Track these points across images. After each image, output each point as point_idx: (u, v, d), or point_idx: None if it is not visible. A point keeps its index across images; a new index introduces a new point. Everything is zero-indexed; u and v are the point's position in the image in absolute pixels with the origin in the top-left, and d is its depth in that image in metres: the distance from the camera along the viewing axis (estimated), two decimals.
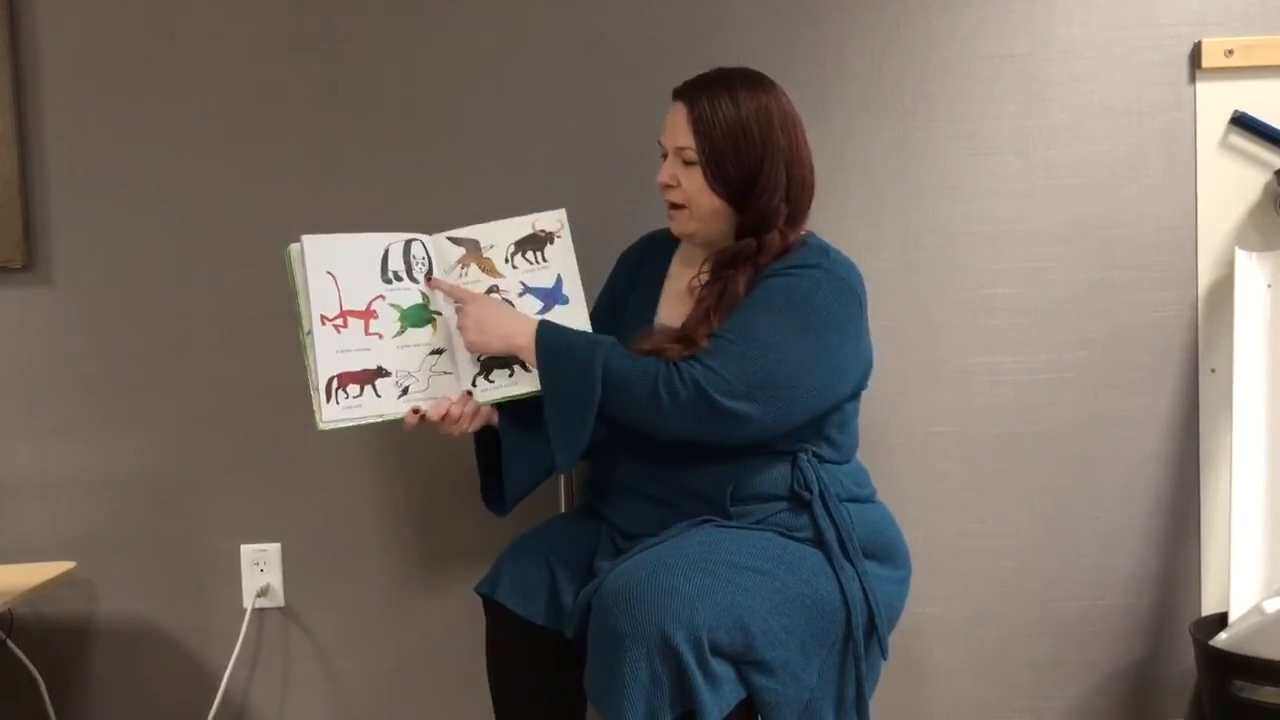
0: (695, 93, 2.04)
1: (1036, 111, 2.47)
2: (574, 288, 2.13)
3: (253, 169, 2.46)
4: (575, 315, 2.12)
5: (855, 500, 2.06)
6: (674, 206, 2.08)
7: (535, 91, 2.46)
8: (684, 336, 1.98)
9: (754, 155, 2.01)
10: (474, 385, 2.08)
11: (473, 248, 2.12)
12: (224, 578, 2.50)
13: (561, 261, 2.14)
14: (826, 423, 2.04)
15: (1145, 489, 2.51)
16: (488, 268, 2.12)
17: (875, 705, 2.01)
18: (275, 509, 2.50)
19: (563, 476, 2.44)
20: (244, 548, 2.50)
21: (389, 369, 2.04)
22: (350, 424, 2.01)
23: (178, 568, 2.50)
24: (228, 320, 2.47)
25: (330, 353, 2.00)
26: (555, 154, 2.46)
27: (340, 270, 2.03)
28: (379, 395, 2.03)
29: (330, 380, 2.00)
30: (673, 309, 2.14)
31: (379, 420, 2.03)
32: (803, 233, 2.10)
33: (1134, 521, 2.51)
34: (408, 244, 2.09)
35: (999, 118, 2.47)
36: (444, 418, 2.03)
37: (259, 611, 2.50)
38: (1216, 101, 2.46)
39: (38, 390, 2.47)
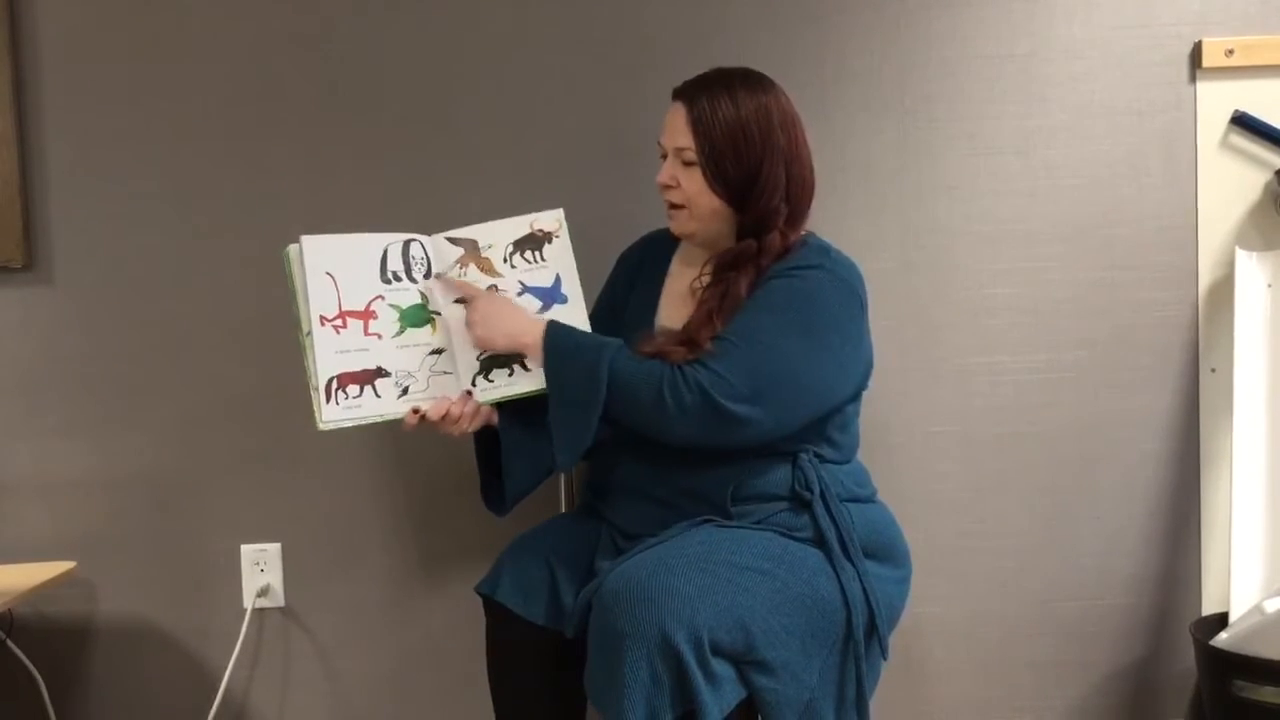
0: (695, 93, 2.04)
1: (1037, 111, 2.47)
2: (572, 287, 2.13)
3: (253, 169, 2.46)
4: (574, 314, 2.12)
5: (856, 500, 2.06)
6: (673, 206, 2.08)
7: (535, 91, 2.46)
8: (688, 339, 1.98)
9: (753, 155, 2.01)
10: (473, 385, 2.08)
11: (471, 248, 2.12)
12: (224, 578, 2.50)
13: (560, 261, 2.14)
14: (828, 423, 2.04)
15: (1145, 489, 2.51)
16: (486, 267, 2.12)
17: (875, 705, 2.01)
18: (275, 509, 2.50)
19: (563, 476, 2.44)
20: (244, 548, 2.50)
21: (388, 369, 2.04)
22: (350, 424, 2.01)
23: (178, 568, 2.50)
24: (228, 320, 2.47)
25: (330, 353, 2.00)
26: (555, 154, 2.46)
27: (339, 271, 2.03)
28: (379, 395, 2.03)
29: (330, 381, 2.00)
30: (673, 309, 2.14)
31: (379, 420, 2.03)
32: (803, 233, 2.10)
33: (1134, 521, 2.51)
34: (406, 244, 2.09)
35: (999, 118, 2.47)
36: (444, 417, 2.03)
37: (259, 611, 2.50)
38: (1217, 101, 2.46)
39: (38, 390, 2.47)
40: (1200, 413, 2.49)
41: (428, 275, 2.09)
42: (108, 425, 2.48)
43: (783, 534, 1.99)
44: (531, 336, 2.02)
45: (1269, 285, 2.45)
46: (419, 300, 2.08)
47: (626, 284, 2.24)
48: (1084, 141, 2.47)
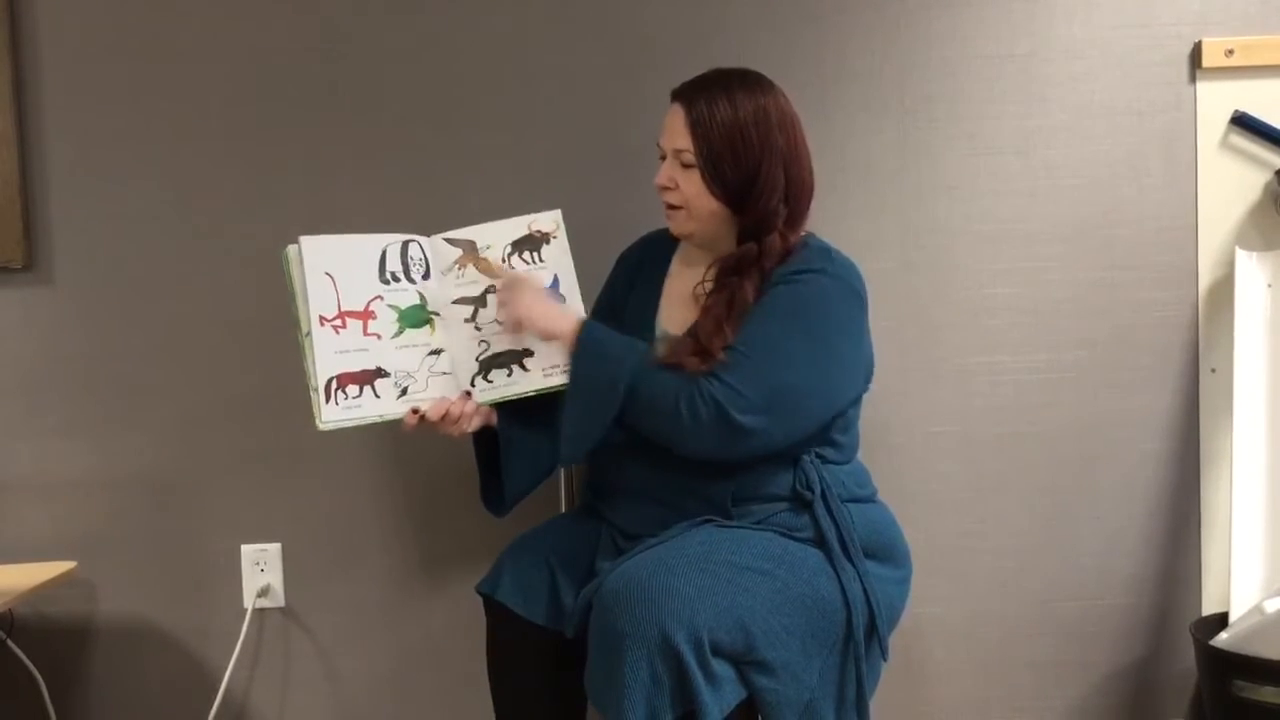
0: (693, 94, 2.03)
1: (1037, 111, 2.47)
2: (570, 287, 2.13)
3: (253, 169, 2.46)
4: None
5: (856, 500, 2.06)
6: (672, 207, 2.08)
7: (535, 91, 2.46)
8: (701, 349, 1.97)
9: (752, 157, 2.01)
10: (472, 385, 2.08)
11: (469, 248, 2.13)
12: (224, 578, 2.50)
13: (558, 261, 2.14)
14: (830, 425, 2.04)
15: (1145, 489, 2.51)
16: (485, 268, 2.12)
17: (875, 705, 2.01)
18: (275, 509, 2.50)
19: (563, 476, 2.44)
20: (244, 548, 2.50)
21: (388, 369, 2.04)
22: (350, 424, 2.01)
23: (178, 568, 2.50)
24: (228, 320, 2.47)
25: (329, 353, 2.00)
26: (555, 154, 2.46)
27: (338, 271, 2.03)
28: (378, 396, 2.03)
29: (329, 381, 1.99)
30: (674, 311, 2.13)
31: (378, 420, 2.03)
32: (803, 233, 2.10)
33: (1134, 521, 2.51)
34: (405, 245, 2.10)
35: (999, 118, 2.47)
36: (443, 418, 2.03)
37: (259, 611, 2.50)
38: (1217, 101, 2.46)
39: (38, 390, 2.47)
40: (1200, 413, 2.49)
41: (426, 276, 2.09)
42: (108, 425, 2.48)
43: (783, 534, 1.99)
44: (565, 328, 2.01)
45: (1269, 285, 2.45)
46: (418, 301, 2.08)
47: (626, 284, 2.24)
48: (1084, 141, 2.47)
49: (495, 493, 2.15)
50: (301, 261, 2.01)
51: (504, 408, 2.09)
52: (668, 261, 2.20)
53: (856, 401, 2.10)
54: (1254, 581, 2.37)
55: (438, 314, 2.09)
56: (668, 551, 1.92)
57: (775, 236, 2.03)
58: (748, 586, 1.89)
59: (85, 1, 2.44)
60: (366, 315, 2.04)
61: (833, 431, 2.05)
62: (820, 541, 1.99)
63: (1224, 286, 2.47)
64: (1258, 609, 2.27)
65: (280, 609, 2.52)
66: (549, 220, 2.14)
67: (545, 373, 2.08)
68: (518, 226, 2.14)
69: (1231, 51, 2.44)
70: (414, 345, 2.07)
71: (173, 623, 2.51)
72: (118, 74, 2.45)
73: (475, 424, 2.07)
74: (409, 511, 2.51)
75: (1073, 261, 2.49)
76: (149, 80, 2.45)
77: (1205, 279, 2.49)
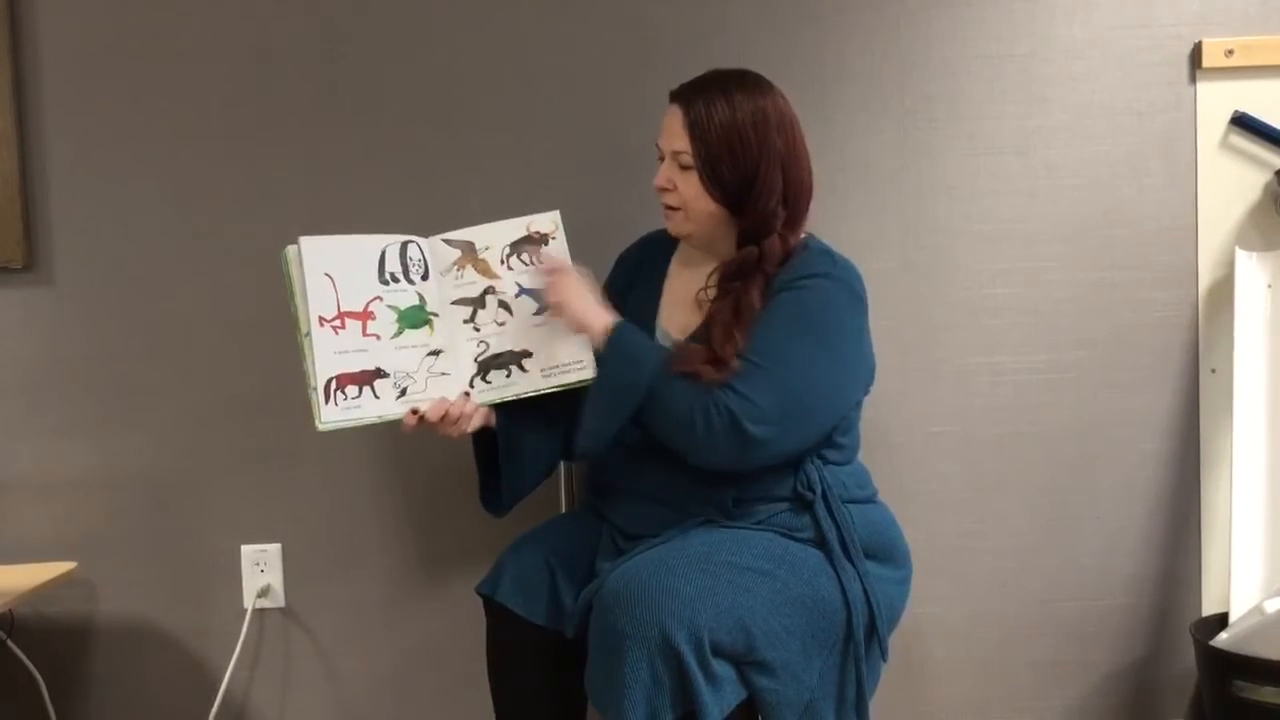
0: (691, 96, 2.03)
1: (1037, 111, 2.47)
2: None
3: (253, 169, 2.46)
4: None
5: (856, 501, 2.06)
6: (670, 208, 2.08)
7: (535, 91, 2.46)
8: (715, 357, 1.96)
9: (750, 159, 2.00)
10: (471, 386, 2.08)
11: (468, 249, 2.13)
12: (224, 578, 2.50)
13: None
14: (833, 428, 2.05)
15: (1145, 489, 2.51)
16: (483, 269, 2.12)
17: (876, 705, 2.01)
18: (275, 509, 2.50)
19: (563, 476, 2.44)
20: (244, 548, 2.50)
21: (387, 370, 2.04)
22: (349, 425, 2.01)
23: (178, 568, 2.50)
24: (228, 320, 2.47)
25: (328, 354, 2.00)
26: (555, 154, 2.46)
27: (337, 272, 2.03)
28: (377, 396, 2.03)
29: (329, 381, 1.99)
30: (674, 313, 2.13)
31: (378, 421, 2.03)
32: (803, 235, 2.10)
33: (1134, 521, 2.51)
34: (404, 246, 2.10)
35: (999, 118, 2.47)
36: (443, 418, 2.03)
37: (259, 612, 2.50)
38: (1216, 101, 2.46)
39: (38, 390, 2.47)
40: (1200, 413, 2.49)
41: (425, 277, 2.09)
42: (108, 425, 2.48)
43: (783, 534, 1.99)
44: (597, 324, 2.01)
45: (1269, 285, 2.45)
46: (417, 301, 2.08)
47: (625, 285, 2.24)
48: (1084, 142, 2.47)
49: (494, 493, 2.15)
50: (301, 262, 2.01)
51: (503, 408, 2.09)
52: (667, 262, 2.20)
53: (858, 403, 2.10)
54: (1254, 582, 2.37)
55: (437, 315, 2.09)
56: (668, 552, 1.92)
57: (775, 239, 2.02)
58: (748, 587, 1.89)
59: (85, 1, 2.44)
60: (366, 316, 2.04)
61: (834, 433, 2.05)
62: (820, 542, 1.99)
63: (1224, 287, 2.47)
64: (1258, 609, 2.27)
65: (280, 609, 2.52)
66: (547, 221, 2.14)
67: (544, 373, 2.09)
68: (516, 227, 2.14)
69: (1231, 52, 2.44)
70: (413, 346, 2.07)
71: (173, 623, 2.51)
72: (118, 74, 2.45)
73: (474, 424, 2.07)
74: (409, 511, 2.51)
75: (1073, 261, 2.49)
76: (149, 80, 2.45)
77: (1205, 279, 2.49)
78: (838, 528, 2.00)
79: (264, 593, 2.50)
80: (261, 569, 2.50)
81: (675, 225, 2.10)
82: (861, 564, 1.99)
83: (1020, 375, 2.50)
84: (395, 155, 2.47)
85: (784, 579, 1.92)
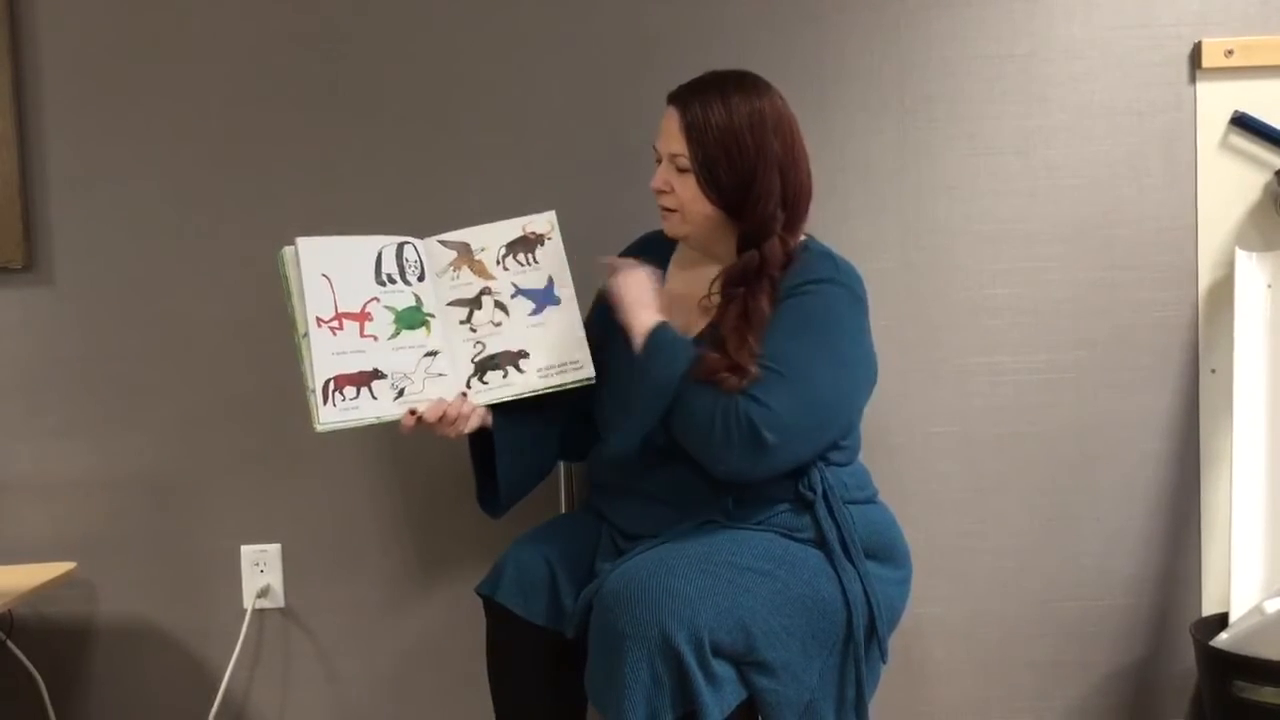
0: (688, 98, 2.02)
1: (1037, 111, 2.47)
2: (565, 289, 2.14)
3: (253, 169, 2.46)
4: (567, 316, 2.13)
5: (857, 502, 2.06)
6: (667, 210, 2.08)
7: (534, 92, 2.46)
8: (733, 365, 1.94)
9: (747, 162, 2.00)
10: (468, 387, 2.08)
11: (463, 250, 2.13)
12: (224, 578, 2.50)
13: (552, 263, 2.14)
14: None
15: (1145, 489, 2.51)
16: (479, 270, 2.13)
17: (876, 705, 2.01)
18: (275, 509, 2.50)
19: (562, 477, 2.44)
20: (244, 548, 2.50)
21: (384, 371, 2.04)
22: (347, 426, 2.01)
23: (178, 568, 2.50)
24: (228, 320, 2.47)
25: (326, 355, 2.00)
26: (553, 154, 2.46)
27: (334, 273, 2.03)
28: (375, 397, 2.03)
29: (327, 382, 1.99)
30: (674, 315, 2.12)
31: (376, 422, 2.03)
32: (802, 237, 2.10)
33: (1134, 521, 2.51)
34: (400, 247, 2.10)
35: (999, 118, 2.47)
36: (440, 419, 2.03)
37: (259, 612, 2.50)
38: (1216, 101, 2.46)
39: (38, 390, 2.47)
40: (1200, 413, 2.49)
41: (421, 278, 2.10)
42: (108, 425, 2.48)
43: (784, 535, 1.99)
44: (640, 323, 2.01)
45: (1269, 286, 2.45)
46: (413, 302, 2.08)
47: None
48: (1084, 142, 2.47)
49: (491, 494, 2.15)
50: (298, 262, 2.02)
51: (499, 409, 2.09)
52: (665, 263, 2.20)
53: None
54: (1254, 582, 2.37)
55: (433, 316, 2.09)
56: (668, 552, 1.92)
57: (775, 242, 2.02)
58: (748, 587, 1.89)
59: (85, 1, 2.44)
60: (363, 317, 2.04)
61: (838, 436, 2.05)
62: (821, 542, 1.99)
63: (1224, 287, 2.47)
64: (1258, 609, 2.27)
65: (280, 609, 2.52)
66: (543, 222, 2.15)
67: (541, 374, 2.09)
68: (512, 228, 2.14)
69: (1231, 52, 2.44)
70: (410, 347, 2.07)
71: (173, 623, 2.51)
72: (118, 74, 2.45)
73: (472, 425, 2.07)
74: (409, 512, 2.51)
75: (1073, 262, 2.49)
76: (149, 80, 2.45)
77: (1205, 279, 2.49)
78: (838, 528, 2.00)
79: (264, 593, 2.50)
80: (261, 569, 2.50)
81: (672, 227, 2.10)
82: (862, 564, 1.99)
83: (1020, 375, 2.50)
84: (395, 155, 2.47)
85: (784, 579, 1.92)
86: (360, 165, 2.46)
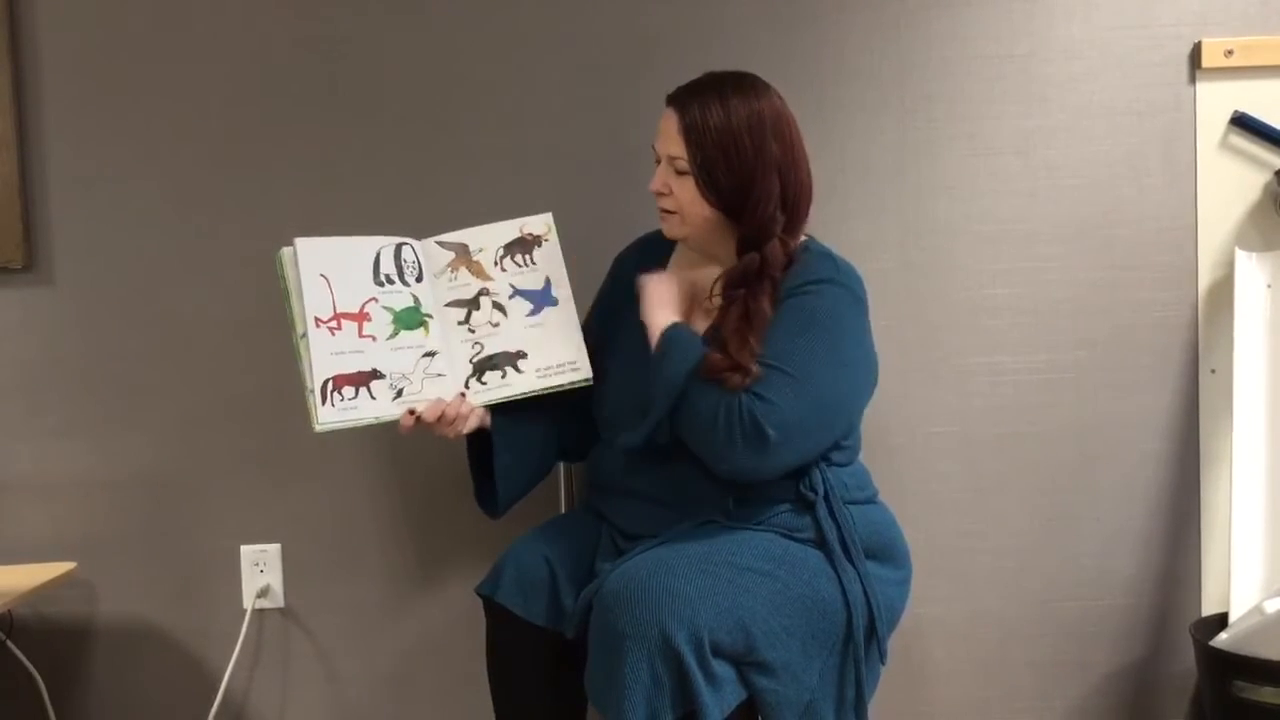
0: (686, 100, 2.02)
1: (1036, 112, 2.47)
2: (563, 290, 2.14)
3: (253, 169, 2.46)
4: (564, 316, 2.13)
5: (857, 503, 2.06)
6: (666, 211, 2.08)
7: (534, 92, 2.46)
8: (735, 365, 1.95)
9: (745, 165, 1.99)
10: (467, 387, 2.08)
11: (461, 251, 2.14)
12: (224, 578, 2.50)
13: (549, 264, 2.14)
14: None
15: (1145, 489, 2.51)
16: (477, 271, 2.13)
17: (875, 705, 2.01)
18: (275, 509, 2.50)
19: (562, 477, 2.44)
20: (244, 548, 2.50)
21: (383, 371, 2.04)
22: (346, 426, 2.01)
23: (178, 568, 2.50)
24: (228, 320, 2.47)
25: (325, 355, 2.01)
26: (553, 154, 2.46)
27: (333, 273, 2.04)
28: (374, 397, 2.03)
29: (325, 382, 2.00)
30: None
31: (375, 422, 2.03)
32: (803, 237, 2.10)
33: (1134, 521, 2.51)
34: (398, 248, 2.10)
35: (999, 118, 2.47)
36: (439, 419, 2.03)
37: (259, 612, 2.50)
38: (1216, 102, 2.46)
39: (38, 390, 2.47)
40: (1200, 413, 2.49)
41: (420, 279, 2.10)
42: (108, 425, 2.48)
43: (784, 535, 1.99)
44: (656, 322, 2.02)
45: (1269, 286, 2.45)
46: (411, 303, 2.08)
47: (624, 286, 2.23)
48: (1084, 142, 2.47)
49: (489, 494, 2.15)
50: (297, 262, 2.02)
51: (498, 409, 2.10)
52: (664, 264, 2.20)
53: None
54: (1254, 582, 2.37)
55: (431, 316, 2.09)
56: (668, 552, 1.92)
57: (775, 244, 2.02)
58: (748, 587, 1.89)
59: (85, 2, 2.44)
60: (361, 317, 2.05)
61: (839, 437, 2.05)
62: (821, 542, 1.99)
63: (1224, 287, 2.47)
64: (1257, 609, 2.27)
65: (280, 610, 2.52)
66: (540, 223, 2.15)
67: (539, 374, 2.10)
68: (509, 230, 2.15)
69: (1231, 52, 2.44)
70: (409, 347, 2.07)
71: (172, 623, 2.50)
72: (118, 75, 2.45)
73: (470, 425, 2.07)
74: (408, 512, 2.51)
75: (1072, 262, 2.49)
76: (149, 81, 2.45)
77: (1205, 279, 2.49)
78: (838, 528, 2.00)
79: (263, 593, 2.50)
80: (261, 569, 2.50)
81: (671, 228, 2.10)
82: (862, 565, 1.99)
83: (1020, 375, 2.50)
84: (395, 155, 2.47)
85: (784, 579, 1.92)
86: (360, 165, 2.46)
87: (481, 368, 2.09)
